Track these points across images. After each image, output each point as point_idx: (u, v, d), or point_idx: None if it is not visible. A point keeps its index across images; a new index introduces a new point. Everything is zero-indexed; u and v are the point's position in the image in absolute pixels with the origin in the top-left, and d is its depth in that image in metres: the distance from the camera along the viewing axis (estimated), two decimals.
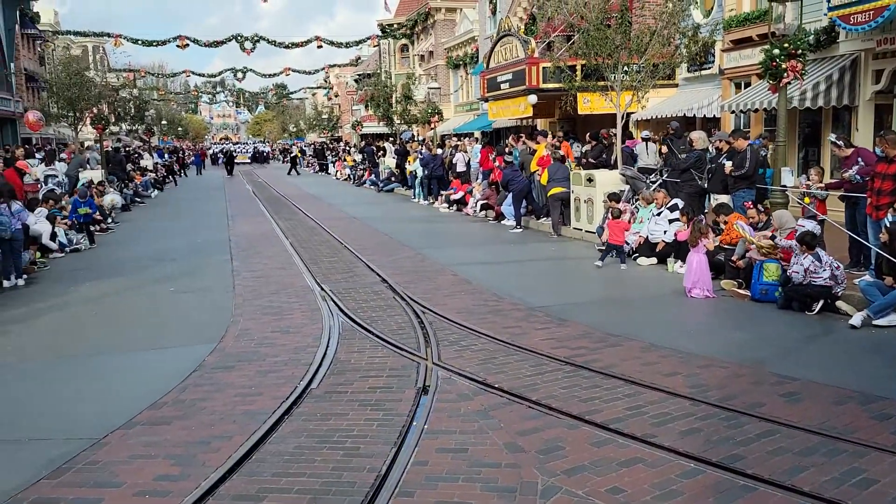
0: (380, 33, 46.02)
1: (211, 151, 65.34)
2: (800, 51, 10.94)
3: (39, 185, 18.03)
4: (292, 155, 50.86)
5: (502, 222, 17.67)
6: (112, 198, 21.30)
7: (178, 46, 37.98)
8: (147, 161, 34.88)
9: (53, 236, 14.08)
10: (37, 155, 22.97)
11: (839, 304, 8.60)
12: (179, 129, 79.46)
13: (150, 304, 9.94)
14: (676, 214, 11.91)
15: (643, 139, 16.21)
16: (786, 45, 10.91)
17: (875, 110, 14.63)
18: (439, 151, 25.07)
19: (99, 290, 10.87)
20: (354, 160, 39.18)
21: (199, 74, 57.73)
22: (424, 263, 12.50)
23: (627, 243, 12.55)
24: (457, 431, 5.30)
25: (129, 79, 49.63)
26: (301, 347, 7.55)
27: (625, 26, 15.57)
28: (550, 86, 20.95)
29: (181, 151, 56.30)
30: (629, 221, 13.31)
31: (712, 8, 19.25)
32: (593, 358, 6.96)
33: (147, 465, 4.86)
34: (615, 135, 16.29)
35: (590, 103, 19.11)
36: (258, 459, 4.92)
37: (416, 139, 33.06)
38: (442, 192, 22.59)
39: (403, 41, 48.66)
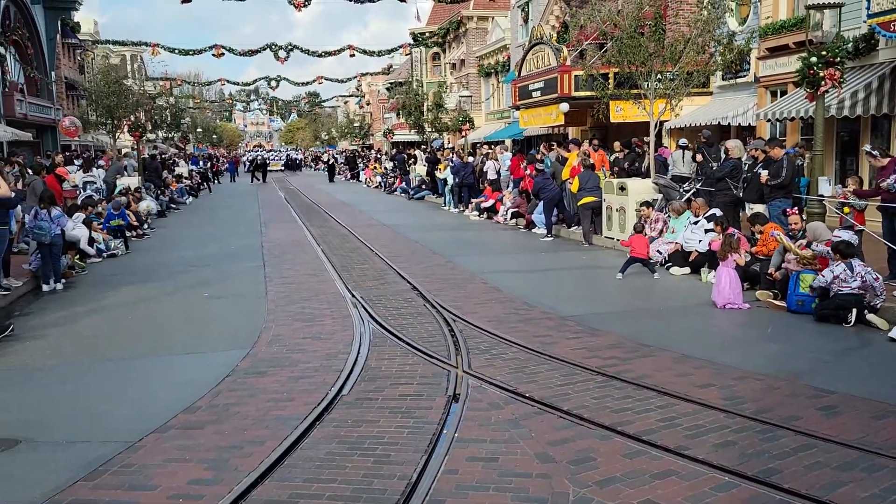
0: (412, 42, 46.23)
1: (244, 159, 66.15)
2: (838, 59, 10.78)
3: (78, 192, 18.40)
4: (330, 163, 51.27)
5: (533, 231, 17.62)
6: (148, 204, 21.68)
7: (213, 55, 38.50)
8: (182, 168, 35.42)
9: (91, 241, 14.35)
10: (75, 161, 23.46)
11: (870, 317, 8.40)
12: (214, 136, 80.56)
13: (185, 310, 10.07)
14: (713, 224, 11.77)
15: (680, 147, 16.07)
16: (824, 52, 10.76)
17: None
18: (470, 159, 25.11)
19: (135, 295, 11.04)
20: (385, 168, 39.38)
21: (234, 83, 58.39)
22: (455, 271, 12.50)
23: (660, 252, 12.44)
24: (487, 440, 5.28)
25: (165, 87, 50.52)
26: (332, 354, 7.59)
27: (658, 34, 15.48)
28: (582, 94, 20.93)
29: (216, 159, 57.05)
30: (661, 231, 13.21)
31: (748, 16, 19.06)
32: (625, 368, 6.90)
33: (181, 469, 4.91)
34: (647, 143, 16.17)
35: (622, 111, 19.04)
36: (290, 465, 4.95)
37: (444, 147, 33.15)
38: (472, 200, 22.60)
39: (435, 49, 48.88)
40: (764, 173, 11.80)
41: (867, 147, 11.37)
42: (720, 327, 8.86)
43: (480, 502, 4.38)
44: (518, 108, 27.12)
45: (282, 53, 39.80)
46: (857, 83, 14.52)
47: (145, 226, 19.42)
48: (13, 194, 10.93)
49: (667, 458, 4.92)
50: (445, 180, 25.07)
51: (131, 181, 23.22)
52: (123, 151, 33.56)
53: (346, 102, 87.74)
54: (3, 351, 7.97)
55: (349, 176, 49.37)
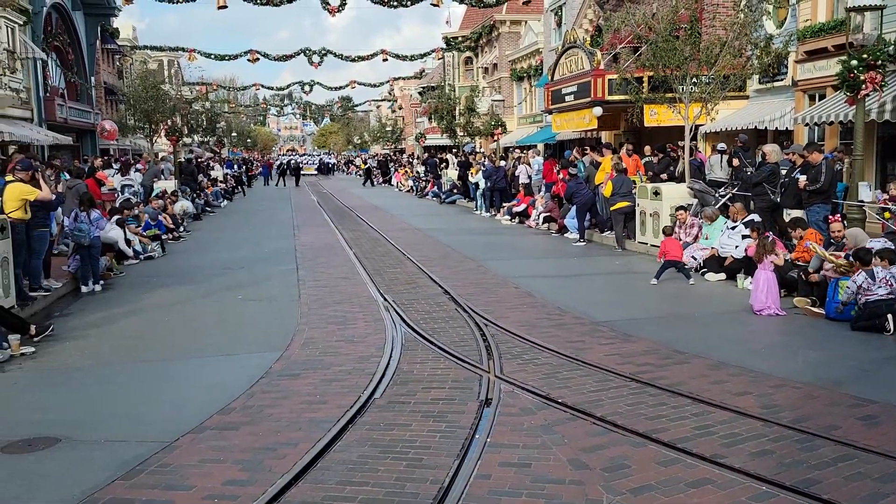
0: (444, 46, 46.37)
1: (277, 163, 66.90)
2: (879, 62, 10.58)
3: (116, 195, 18.73)
4: (367, 167, 51.56)
5: (565, 235, 17.53)
6: (183, 204, 22.06)
7: (248, 60, 38.96)
8: (217, 172, 35.88)
9: (127, 243, 14.58)
10: (113, 165, 23.88)
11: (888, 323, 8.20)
12: (248, 140, 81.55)
13: (219, 312, 10.19)
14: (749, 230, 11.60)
15: (718, 151, 15.88)
16: (864, 55, 10.57)
17: None
18: (502, 163, 25.08)
19: (171, 297, 11.20)
20: (417, 172, 39.49)
21: (268, 87, 59.34)
22: (486, 275, 12.48)
23: (694, 258, 12.30)
24: (520, 446, 5.26)
25: (201, 92, 51.25)
26: (365, 357, 7.62)
27: (694, 37, 15.33)
28: (616, 98, 20.80)
29: (251, 163, 57.74)
30: (695, 236, 13.05)
31: (786, 18, 18.78)
32: (659, 375, 6.82)
33: (216, 470, 4.96)
34: (682, 147, 16.01)
35: (657, 115, 18.88)
36: (323, 467, 4.98)
37: (476, 151, 33.16)
38: (504, 204, 22.56)
39: (468, 54, 48.94)
40: (802, 178, 11.60)
41: None
42: (757, 334, 8.72)
43: None
44: (550, 112, 27.03)
45: (315, 58, 40.16)
46: None
47: (181, 228, 19.70)
48: (54, 197, 11.16)
49: (702, 467, 4.85)
50: (477, 184, 25.08)
51: (168, 184, 23.59)
52: (160, 155, 34.09)
53: (378, 107, 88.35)
54: (44, 351, 8.12)
55: (381, 180, 49.67)
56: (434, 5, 26.33)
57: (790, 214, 11.97)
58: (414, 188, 37.40)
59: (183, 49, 42.60)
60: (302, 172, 52.59)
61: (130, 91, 31.27)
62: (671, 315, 9.67)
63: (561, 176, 18.96)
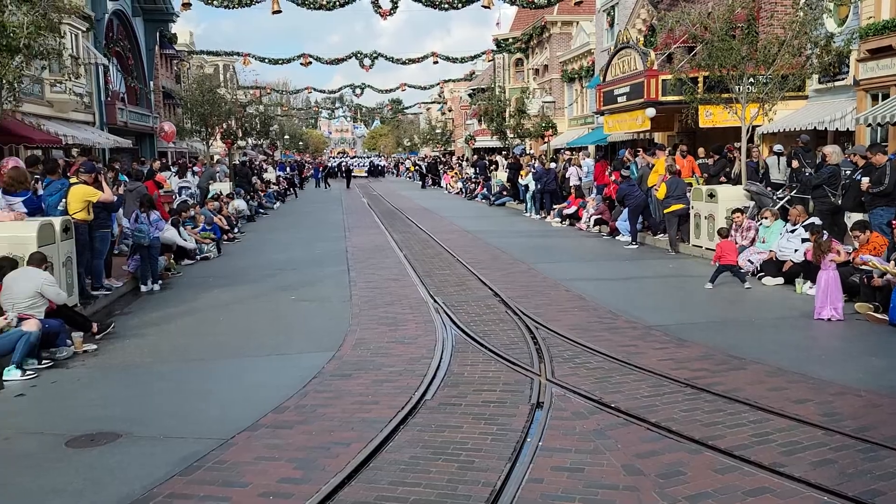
0: (495, 48, 46.28)
1: (330, 165, 67.67)
2: None
3: (174, 196, 19.18)
4: (423, 170, 51.76)
5: (617, 238, 17.33)
6: (237, 203, 22.57)
7: (301, 64, 39.44)
8: (270, 174, 36.48)
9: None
10: (171, 168, 24.47)
11: None
12: (300, 143, 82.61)
13: (273, 312, 10.34)
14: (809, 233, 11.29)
15: (775, 153, 15.52)
16: None
17: None
18: (552, 165, 24.92)
19: (226, 297, 11.42)
20: (466, 173, 39.49)
21: (320, 91, 59.75)
22: (537, 278, 12.42)
23: (751, 262, 12.03)
24: (572, 450, 5.22)
25: (255, 95, 52.11)
26: (415, 358, 7.66)
27: (751, 36, 15.00)
28: (670, 98, 20.49)
29: (303, 165, 58.48)
30: (752, 240, 12.77)
31: (847, 16, 18.24)
32: (715, 381, 6.69)
33: (271, 468, 5.04)
34: (739, 149, 15.69)
35: (712, 116, 18.54)
36: (375, 467, 5.01)
37: (525, 153, 33.01)
38: (554, 207, 22.42)
39: (518, 55, 48.76)
40: (865, 180, 11.25)
41: None
42: (817, 340, 8.49)
43: None
44: (602, 114, 26.76)
45: (367, 61, 40.53)
46: None
47: (236, 229, 20.08)
48: (115, 198, 11.48)
49: (760, 475, 4.74)
50: (527, 186, 24.97)
51: (223, 186, 24.07)
52: (216, 158, 34.80)
53: (428, 109, 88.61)
54: (105, 349, 8.37)
55: (430, 182, 49.81)
56: (485, 7, 26.30)
57: (851, 218, 11.61)
58: (463, 190, 37.43)
59: (238, 53, 43.42)
60: (353, 175, 53.04)
61: (187, 95, 32.01)
62: (727, 320, 9.47)
63: (613, 178, 18.75)
